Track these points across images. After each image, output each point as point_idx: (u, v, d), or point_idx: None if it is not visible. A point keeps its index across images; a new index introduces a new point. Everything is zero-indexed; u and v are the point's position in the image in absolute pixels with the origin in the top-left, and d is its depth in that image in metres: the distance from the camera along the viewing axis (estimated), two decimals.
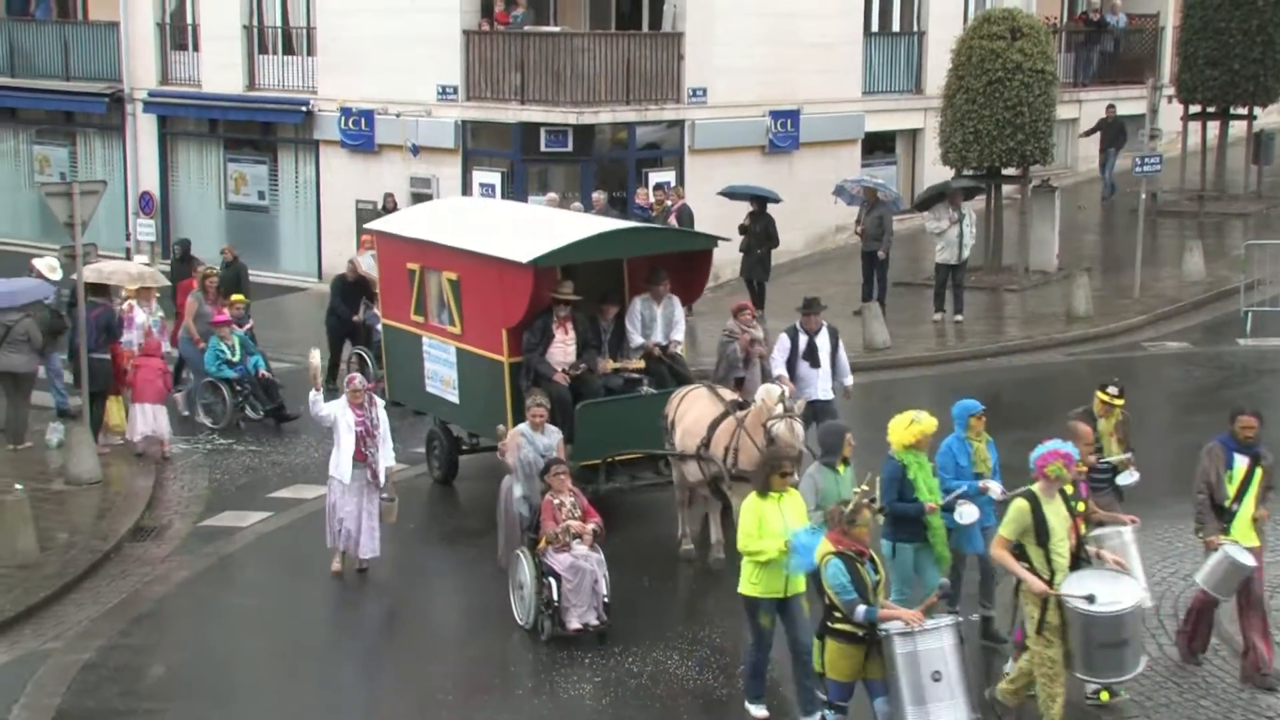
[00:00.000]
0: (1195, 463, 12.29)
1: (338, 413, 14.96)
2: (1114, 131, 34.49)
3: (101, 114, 34.04)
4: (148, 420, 19.13)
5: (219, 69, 31.86)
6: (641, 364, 16.52)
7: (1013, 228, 29.01)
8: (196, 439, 20.25)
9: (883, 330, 23.75)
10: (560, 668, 13.01)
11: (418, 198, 28.77)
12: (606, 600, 13.38)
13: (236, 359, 20.83)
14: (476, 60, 28.36)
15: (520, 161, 28.02)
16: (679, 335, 16.96)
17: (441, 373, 17.31)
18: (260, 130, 32.30)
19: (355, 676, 13.23)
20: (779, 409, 13.58)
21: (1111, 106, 34.69)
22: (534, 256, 15.57)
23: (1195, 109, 33.90)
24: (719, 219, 26.42)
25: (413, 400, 18.19)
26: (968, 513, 12.27)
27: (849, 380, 17.23)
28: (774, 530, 11.27)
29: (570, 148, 27.70)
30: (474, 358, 16.69)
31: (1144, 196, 27.27)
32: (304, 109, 30.48)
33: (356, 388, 15.08)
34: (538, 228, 17.22)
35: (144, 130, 33.48)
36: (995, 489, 12.56)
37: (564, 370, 16.01)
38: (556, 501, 13.42)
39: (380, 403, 15.30)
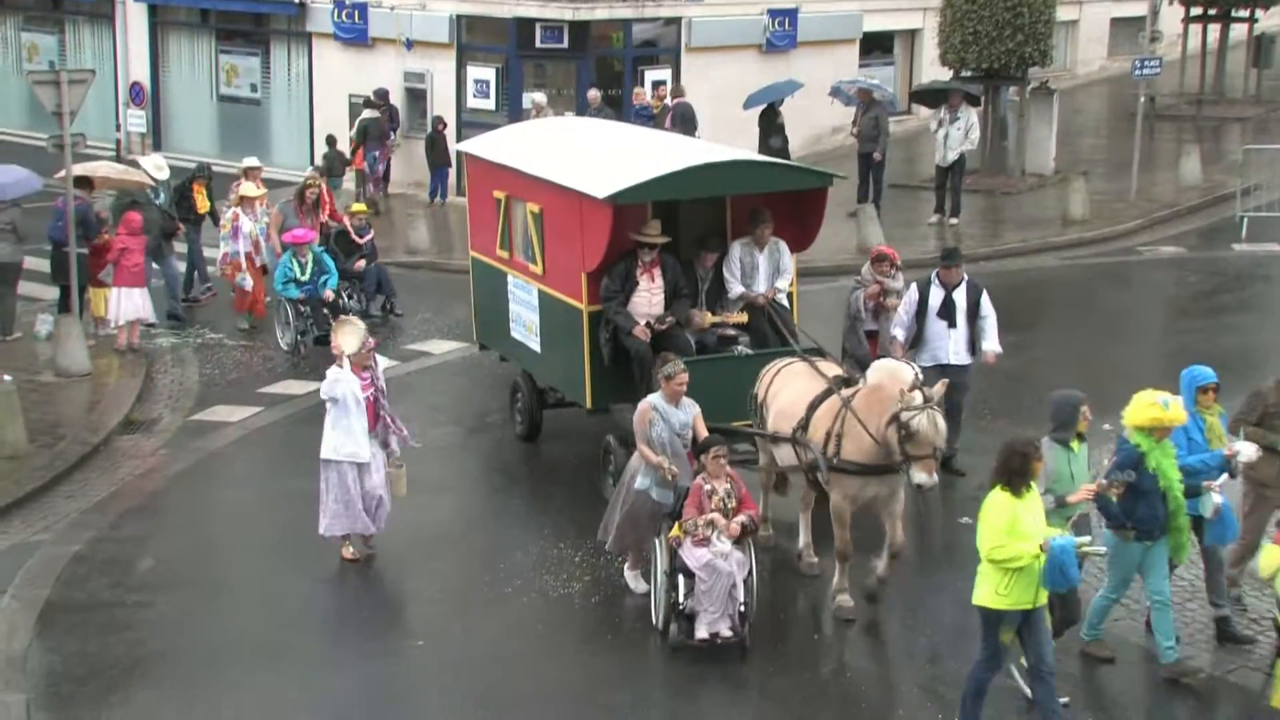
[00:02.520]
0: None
1: (345, 383, 12.91)
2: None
3: (91, 2, 33.59)
4: (135, 305, 19.00)
5: None
6: (744, 317, 14.36)
7: (1011, 130, 28.79)
8: (185, 333, 20.18)
9: (878, 232, 23.63)
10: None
11: (411, 93, 28.55)
12: (744, 608, 11.40)
13: (306, 278, 19.13)
14: None
15: (516, 58, 27.72)
16: (784, 284, 14.56)
17: (525, 316, 15.42)
18: (253, 22, 31.88)
19: (344, 570, 13.26)
20: (917, 398, 11.34)
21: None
22: (612, 192, 13.48)
23: (1196, 11, 33.57)
24: (717, 119, 26.31)
25: (498, 344, 16.44)
26: (1212, 503, 10.93)
27: (991, 344, 14.54)
28: (1028, 532, 9.76)
29: (566, 44, 27.39)
30: (555, 302, 14.71)
31: (1142, 99, 27.07)
32: (297, 1, 30.08)
33: (368, 348, 13.17)
34: (634, 157, 14.80)
35: (134, 19, 33.04)
36: (1249, 451, 11.08)
37: (647, 323, 13.86)
38: (708, 488, 11.47)
39: (383, 360, 13.90)
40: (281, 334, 19.45)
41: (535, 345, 15.25)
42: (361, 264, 20.49)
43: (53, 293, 20.23)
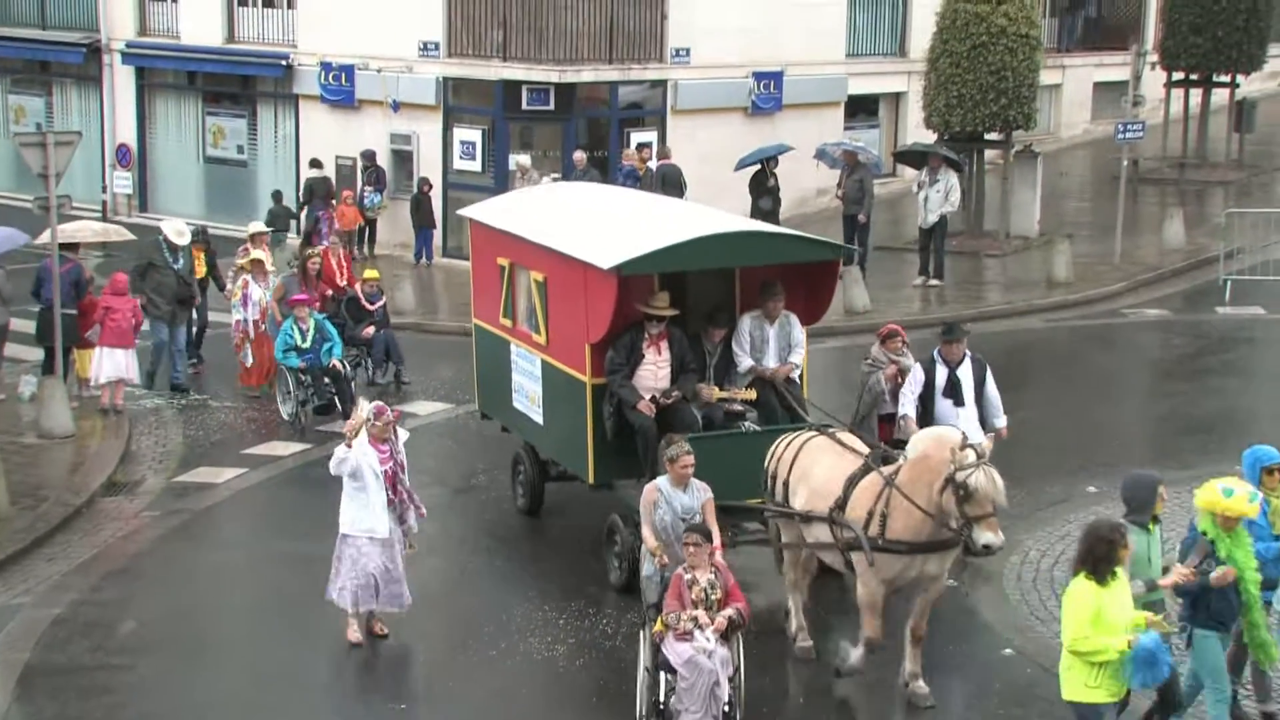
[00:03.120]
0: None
1: (358, 457, 12.45)
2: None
3: (79, 64, 33.73)
4: (117, 365, 18.92)
5: (198, 20, 31.58)
6: (752, 394, 13.81)
7: (994, 193, 28.96)
8: (170, 395, 20.11)
9: (863, 294, 23.70)
10: None
11: (397, 154, 28.64)
12: (728, 709, 10.70)
13: (307, 345, 18.55)
14: (459, 16, 28.14)
15: (502, 119, 27.84)
16: (797, 358, 14.04)
17: (527, 387, 14.95)
18: (239, 84, 32.05)
19: (327, 634, 13.16)
20: (970, 456, 10.83)
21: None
22: (618, 262, 13.03)
23: (1178, 76, 33.85)
24: (704, 181, 26.40)
25: (501, 414, 15.93)
26: None
27: (1001, 422, 13.99)
28: (1114, 624, 9.19)
29: (552, 106, 27.53)
30: (558, 374, 14.25)
31: (1125, 163, 27.23)
32: (284, 63, 30.22)
33: (387, 419, 12.57)
34: (640, 226, 14.42)
35: (121, 82, 33.18)
36: None
37: (653, 397, 13.40)
38: (689, 578, 10.85)
39: (403, 433, 13.08)
40: (282, 402, 18.94)
41: (538, 416, 14.78)
42: (370, 330, 20.13)
43: (36, 354, 20.18)
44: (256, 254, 20.41)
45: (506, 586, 14.24)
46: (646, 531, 11.65)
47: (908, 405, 13.93)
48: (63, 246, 19.30)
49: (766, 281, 13.92)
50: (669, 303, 13.50)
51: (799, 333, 14.09)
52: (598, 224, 14.84)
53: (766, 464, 12.49)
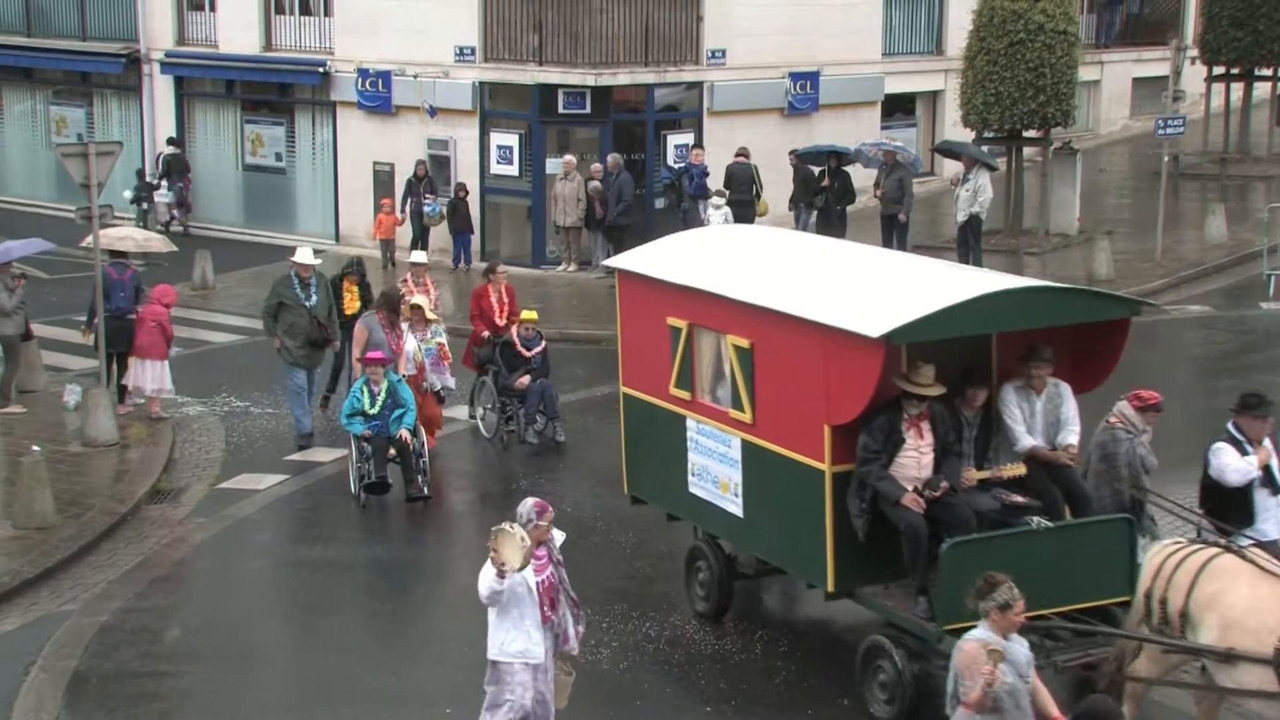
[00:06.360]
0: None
1: (514, 585, 10.15)
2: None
3: (118, 74, 33.96)
4: (156, 376, 19.02)
5: (236, 29, 31.75)
6: (1021, 469, 11.66)
7: (1034, 190, 28.84)
8: (213, 401, 20.21)
9: None
10: None
11: (434, 159, 28.72)
12: None
13: (375, 411, 16.15)
14: (494, 21, 28.21)
15: (538, 123, 27.88)
16: (1072, 438, 11.74)
17: (715, 470, 12.62)
18: (277, 91, 32.20)
19: (372, 640, 13.20)
20: None
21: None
22: (890, 329, 10.72)
23: (1219, 70, 33.64)
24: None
25: (663, 500, 13.62)
26: None
27: None
28: None
29: (588, 109, 27.55)
30: (773, 459, 11.91)
31: (1166, 159, 27.07)
32: (321, 70, 30.35)
33: (551, 518, 10.45)
34: (875, 281, 12.02)
35: (161, 91, 33.40)
36: None
37: (916, 489, 11.18)
38: None
39: (559, 534, 10.77)
40: (351, 473, 16.46)
41: (733, 507, 12.44)
42: (525, 380, 17.81)
43: (80, 363, 20.29)
44: (418, 299, 17.86)
45: None
46: (977, 698, 8.79)
47: (1231, 476, 11.53)
48: (115, 254, 19.43)
49: (1035, 345, 11.63)
50: (934, 378, 11.20)
51: (1071, 407, 11.82)
52: (816, 279, 12.27)
53: (1144, 583, 10.39)
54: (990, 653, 8.68)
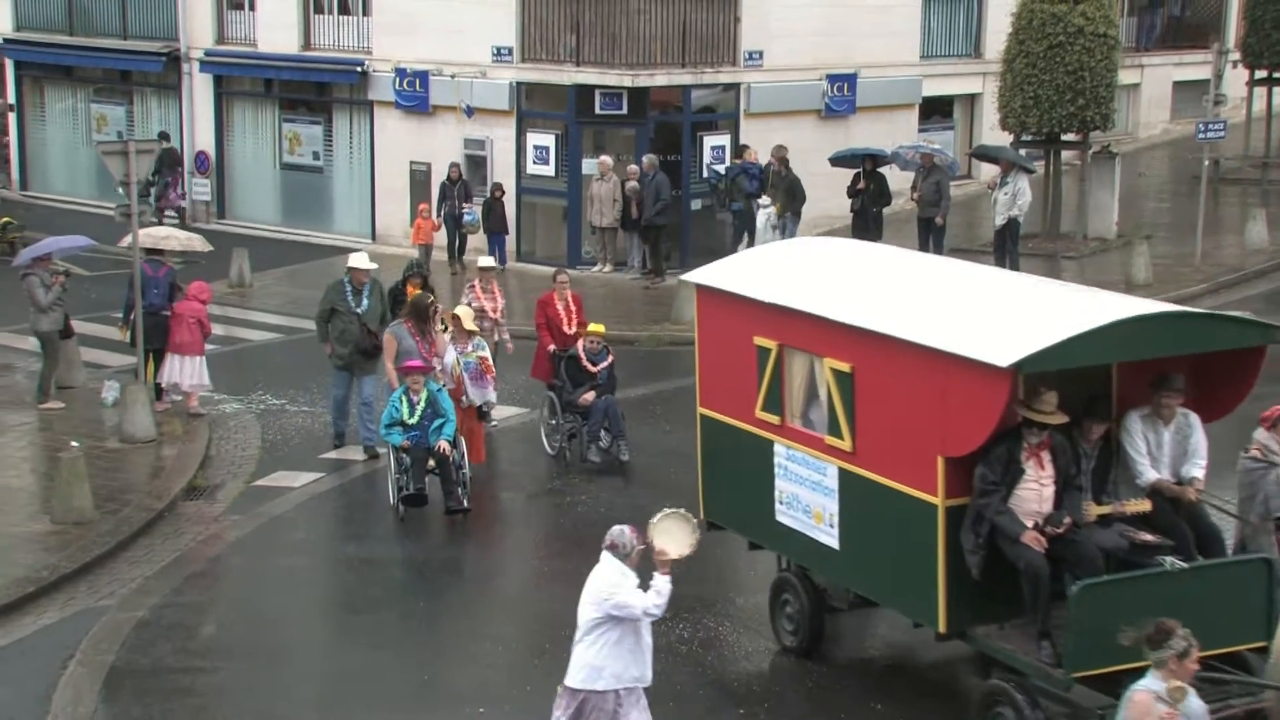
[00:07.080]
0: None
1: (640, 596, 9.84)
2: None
3: (158, 73, 34.14)
4: (194, 371, 19.12)
5: (275, 28, 31.88)
6: (1146, 504, 10.96)
7: (1072, 194, 28.70)
8: (249, 398, 20.30)
9: None
10: None
11: (471, 159, 28.76)
12: None
13: (415, 421, 15.68)
14: (531, 21, 28.25)
15: (575, 124, 27.90)
16: (1198, 470, 11.14)
17: (808, 500, 11.94)
18: (315, 90, 32.32)
19: (405, 639, 13.23)
20: None
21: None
22: (1020, 357, 10.02)
23: (1261, 74, 33.41)
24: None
25: (746, 527, 12.92)
26: None
27: None
28: None
29: (625, 110, 27.56)
30: (876, 490, 11.23)
31: (1207, 163, 26.90)
32: (359, 69, 30.45)
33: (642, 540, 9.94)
34: (987, 302, 11.33)
35: (200, 90, 33.56)
36: None
37: (1037, 525, 10.57)
38: None
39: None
40: (390, 485, 16.08)
41: (827, 539, 11.77)
42: (590, 397, 17.07)
43: (118, 359, 20.41)
44: (460, 309, 17.39)
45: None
46: None
47: None
48: (151, 252, 19.55)
49: (1165, 373, 11.00)
50: (1057, 405, 10.58)
51: (1200, 438, 11.19)
52: (922, 299, 11.54)
53: None
54: (1173, 690, 8.15)
